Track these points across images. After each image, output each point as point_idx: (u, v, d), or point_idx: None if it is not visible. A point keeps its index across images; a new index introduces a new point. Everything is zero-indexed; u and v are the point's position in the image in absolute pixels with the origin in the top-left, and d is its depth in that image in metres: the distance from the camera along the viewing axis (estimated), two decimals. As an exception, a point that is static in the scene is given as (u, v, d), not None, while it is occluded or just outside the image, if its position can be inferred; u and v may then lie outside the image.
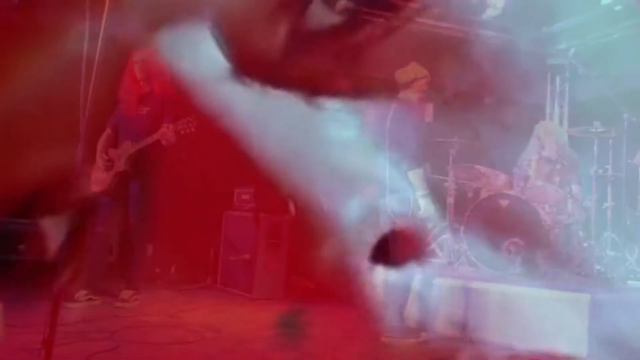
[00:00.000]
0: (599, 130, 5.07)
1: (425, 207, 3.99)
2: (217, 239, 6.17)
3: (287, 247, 5.76)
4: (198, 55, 4.49)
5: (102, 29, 2.16)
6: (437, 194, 5.58)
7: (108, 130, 4.97)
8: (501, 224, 4.97)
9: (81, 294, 4.52)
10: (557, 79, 8.32)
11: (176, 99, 4.89)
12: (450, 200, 5.75)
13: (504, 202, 5.03)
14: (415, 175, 3.98)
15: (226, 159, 6.58)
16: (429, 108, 4.39)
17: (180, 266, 6.43)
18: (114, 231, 5.06)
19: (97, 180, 4.79)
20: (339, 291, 5.98)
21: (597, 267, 5.03)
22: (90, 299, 4.58)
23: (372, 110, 7.33)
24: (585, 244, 5.19)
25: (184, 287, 5.81)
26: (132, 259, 4.94)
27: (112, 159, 4.83)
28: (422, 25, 7.40)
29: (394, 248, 4.16)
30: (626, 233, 4.94)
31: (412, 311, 4.48)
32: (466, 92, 7.70)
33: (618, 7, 6.40)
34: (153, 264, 6.27)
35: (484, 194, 5.52)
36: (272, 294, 5.56)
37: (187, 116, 4.75)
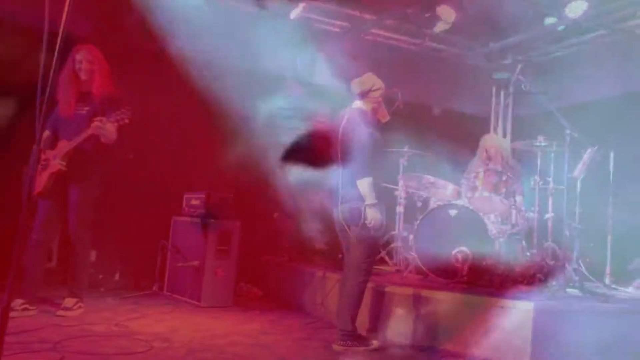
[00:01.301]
0: (542, 144, 5.27)
1: (372, 216, 4.00)
2: (164, 245, 6.03)
3: (237, 254, 5.69)
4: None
5: (61, 25, 2.08)
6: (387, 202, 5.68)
7: (47, 132, 4.68)
8: (449, 233, 5.08)
9: (17, 302, 4.24)
10: (502, 93, 8.64)
11: (116, 96, 4.69)
12: (400, 209, 5.84)
13: (452, 212, 5.14)
14: (365, 184, 4.00)
15: (176, 163, 6.47)
16: (385, 116, 4.39)
17: (124, 272, 6.26)
18: (53, 235, 4.85)
19: (37, 183, 4.55)
20: (288, 298, 5.98)
21: (539, 275, 5.22)
22: (26, 309, 4.34)
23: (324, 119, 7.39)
24: (528, 254, 5.38)
25: (128, 294, 5.64)
26: (73, 265, 4.72)
27: (47, 159, 4.58)
28: (376, 36, 7.52)
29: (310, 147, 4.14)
30: (565, 243, 5.14)
31: (363, 319, 4.53)
32: (416, 103, 7.88)
33: (561, 27, 6.69)
34: (96, 270, 6.07)
35: (433, 204, 5.63)
36: (222, 302, 5.47)
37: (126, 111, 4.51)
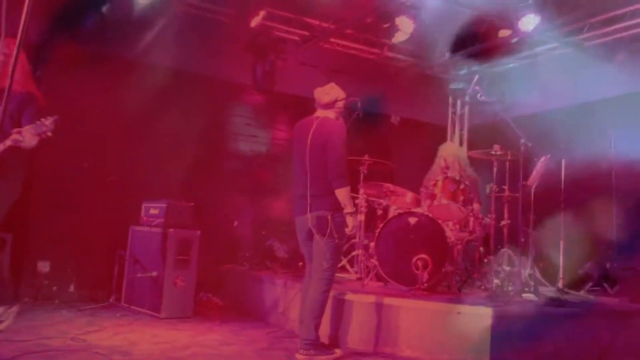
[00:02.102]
0: (498, 153, 5.42)
1: (352, 224, 4.03)
2: (121, 255, 5.89)
3: (196, 264, 5.62)
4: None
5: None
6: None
7: None
8: (409, 240, 5.15)
9: None
10: (458, 102, 8.85)
11: (37, 96, 4.44)
12: (361, 217, 5.89)
13: (412, 220, 5.21)
14: (344, 193, 3.98)
15: (133, 171, 6.35)
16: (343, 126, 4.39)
17: (80, 284, 6.08)
18: None
19: None
20: (249, 307, 5.93)
21: (496, 281, 5.35)
22: None
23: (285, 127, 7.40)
24: (485, 260, 5.51)
25: (85, 306, 5.49)
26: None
27: None
28: (335, 45, 7.59)
29: None
30: (521, 249, 5.29)
31: (325, 327, 4.54)
32: (375, 112, 7.98)
33: (514, 40, 6.91)
34: (50, 281, 5.89)
35: (393, 212, 5.70)
36: (182, 313, 5.39)
37: (48, 115, 4.22)
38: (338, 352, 4.14)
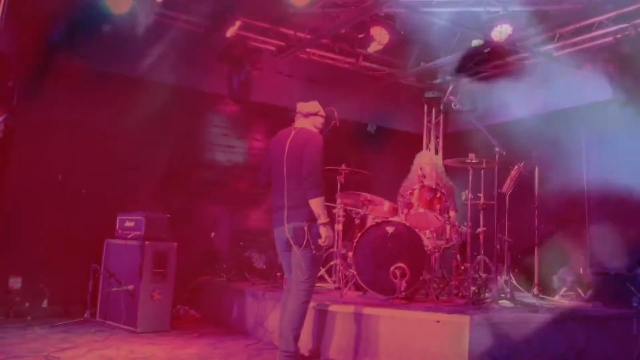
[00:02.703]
0: (473, 161, 5.48)
1: (325, 234, 3.98)
2: (96, 269, 5.78)
3: (173, 276, 5.55)
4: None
5: None
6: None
7: None
8: (387, 249, 5.17)
9: None
10: (434, 111, 8.94)
11: None
12: (339, 227, 5.89)
13: (389, 229, 5.24)
14: (318, 203, 3.97)
15: (107, 183, 6.26)
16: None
17: (53, 299, 5.95)
18: None
19: None
20: (227, 320, 5.88)
21: (473, 288, 5.40)
22: None
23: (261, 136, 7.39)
24: (462, 267, 5.56)
25: (58, 322, 5.37)
26: None
27: None
28: (311, 55, 7.62)
29: None
30: (496, 256, 5.35)
31: (305, 338, 4.52)
32: (352, 121, 8.03)
33: (487, 50, 7.02)
34: (22, 297, 5.76)
35: (370, 221, 5.72)
36: (159, 326, 5.32)
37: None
38: (318, 363, 4.12)
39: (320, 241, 3.99)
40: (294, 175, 4.05)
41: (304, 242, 3.98)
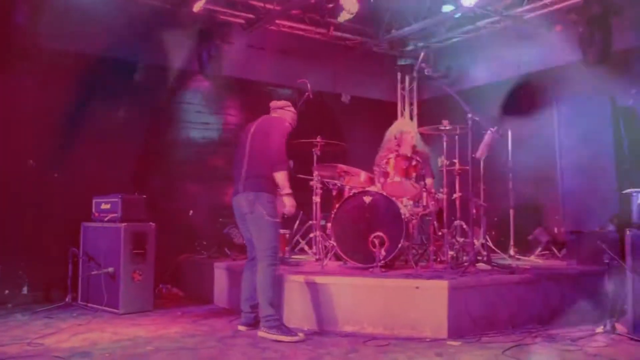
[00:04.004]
0: (447, 127, 5.52)
1: (289, 204, 4.32)
2: (74, 253, 5.74)
3: (153, 256, 5.54)
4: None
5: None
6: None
7: None
8: (365, 219, 5.22)
9: None
10: (407, 79, 8.94)
11: None
12: (317, 198, 5.92)
13: (367, 199, 5.27)
14: (282, 176, 4.29)
15: (81, 166, 6.18)
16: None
17: (33, 285, 5.90)
18: None
19: None
20: (210, 296, 5.91)
21: (451, 252, 5.50)
22: None
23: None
24: (440, 233, 5.64)
25: (40, 308, 5.35)
26: None
27: None
28: (281, 26, 7.52)
29: None
30: (473, 220, 5.43)
31: (289, 312, 4.59)
32: (325, 92, 7.99)
33: (457, 15, 7.00)
34: (1, 285, 5.70)
35: (347, 192, 5.75)
36: (141, 307, 5.32)
37: None
38: (301, 335, 4.19)
39: (285, 210, 4.34)
40: (256, 151, 4.41)
41: (257, 210, 4.26)
